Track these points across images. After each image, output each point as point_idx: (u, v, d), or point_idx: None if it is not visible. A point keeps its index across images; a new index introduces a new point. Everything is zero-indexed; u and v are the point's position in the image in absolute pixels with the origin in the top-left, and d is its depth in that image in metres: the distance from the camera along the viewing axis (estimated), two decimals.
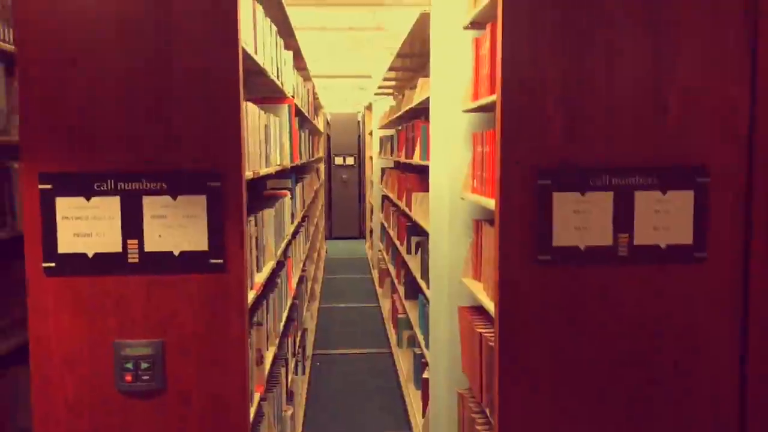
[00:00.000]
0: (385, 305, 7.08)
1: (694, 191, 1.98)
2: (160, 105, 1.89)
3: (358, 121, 13.42)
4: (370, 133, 11.21)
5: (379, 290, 7.93)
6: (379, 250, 8.40)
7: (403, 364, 5.15)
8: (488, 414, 2.38)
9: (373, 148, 10.55)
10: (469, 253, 2.78)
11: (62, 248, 1.91)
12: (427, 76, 3.99)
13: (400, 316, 5.48)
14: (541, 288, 1.98)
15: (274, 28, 3.21)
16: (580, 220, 1.98)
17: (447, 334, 3.15)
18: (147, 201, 1.91)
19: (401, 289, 5.50)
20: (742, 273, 2.00)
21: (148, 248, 1.92)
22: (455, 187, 3.03)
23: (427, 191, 3.73)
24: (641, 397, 2.01)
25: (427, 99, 3.76)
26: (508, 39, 1.94)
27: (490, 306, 2.28)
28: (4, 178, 2.84)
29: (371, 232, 10.71)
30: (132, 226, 1.92)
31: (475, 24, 2.71)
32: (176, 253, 1.93)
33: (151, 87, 1.89)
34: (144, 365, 1.93)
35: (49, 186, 1.89)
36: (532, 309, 1.98)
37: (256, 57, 2.45)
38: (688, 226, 1.99)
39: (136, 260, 1.92)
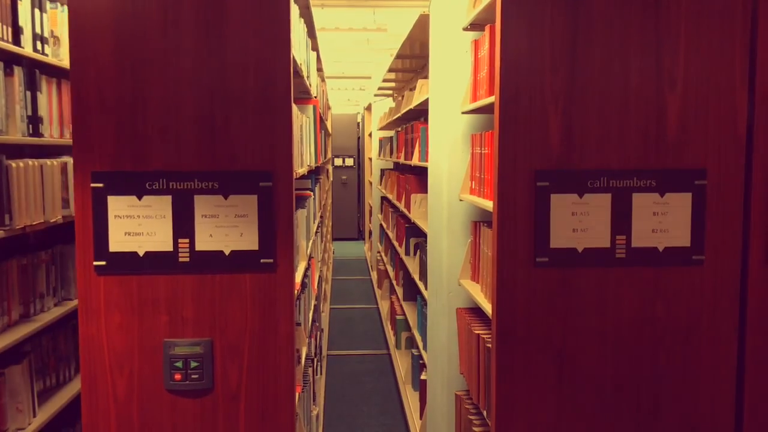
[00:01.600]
0: (384, 306, 7.08)
1: (692, 194, 1.98)
2: (213, 104, 1.89)
3: (358, 123, 13.42)
4: (370, 135, 11.21)
5: (377, 291, 7.93)
6: (378, 252, 8.40)
7: (402, 365, 5.15)
8: (485, 416, 2.38)
9: (372, 150, 10.56)
10: (468, 254, 2.78)
11: (113, 247, 1.90)
12: (426, 77, 3.99)
13: (398, 317, 5.48)
14: (538, 290, 1.98)
15: (305, 28, 3.20)
16: (578, 221, 1.98)
17: (445, 335, 3.15)
18: (198, 200, 1.91)
19: (400, 291, 5.50)
20: (740, 275, 2.00)
21: (198, 247, 1.92)
22: (454, 188, 3.03)
23: (426, 193, 3.72)
24: (638, 398, 2.01)
25: (427, 100, 3.76)
26: (507, 41, 1.94)
27: (488, 307, 2.28)
28: (1, 177, 2.82)
29: (370, 233, 10.72)
30: (183, 225, 1.91)
31: (475, 26, 2.70)
32: (227, 252, 1.93)
33: (203, 86, 1.88)
34: (193, 364, 1.93)
35: (101, 185, 1.89)
36: (529, 311, 1.98)
37: (296, 57, 2.43)
38: (686, 229, 1.99)
39: (187, 259, 1.92)
